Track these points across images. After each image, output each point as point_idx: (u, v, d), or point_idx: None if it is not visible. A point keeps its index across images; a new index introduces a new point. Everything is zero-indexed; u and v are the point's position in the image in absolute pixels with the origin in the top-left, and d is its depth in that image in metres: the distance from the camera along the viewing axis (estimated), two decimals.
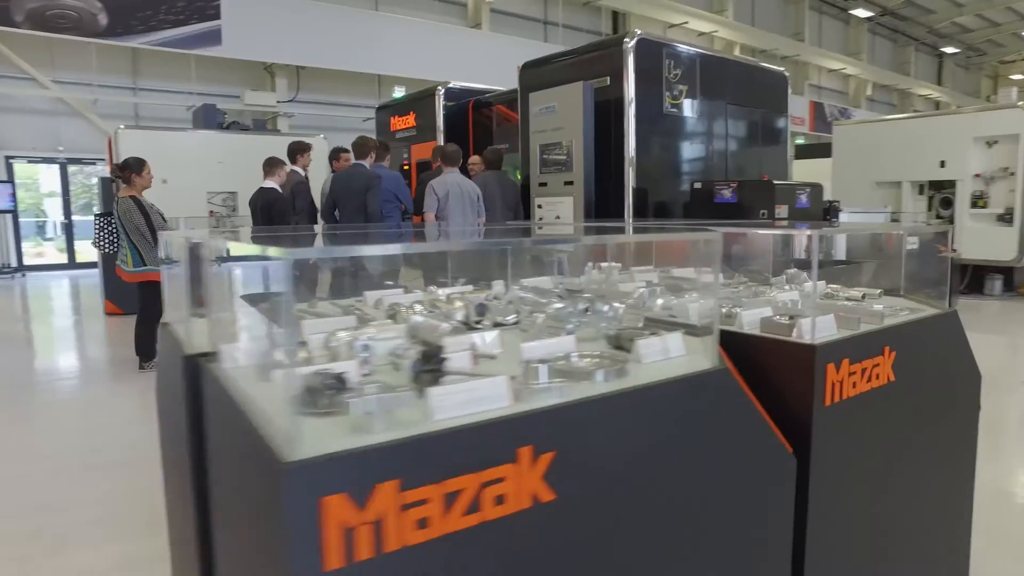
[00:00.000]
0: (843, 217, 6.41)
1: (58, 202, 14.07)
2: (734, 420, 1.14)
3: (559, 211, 5.53)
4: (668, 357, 1.19)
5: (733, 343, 1.27)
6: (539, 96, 5.67)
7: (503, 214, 5.85)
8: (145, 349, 4.98)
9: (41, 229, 14.66)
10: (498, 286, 1.90)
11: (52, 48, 12.62)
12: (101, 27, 11.92)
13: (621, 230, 2.55)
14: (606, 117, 5.55)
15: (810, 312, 1.29)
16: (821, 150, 11.81)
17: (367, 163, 5.43)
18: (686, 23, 19.06)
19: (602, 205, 5.67)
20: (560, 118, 5.47)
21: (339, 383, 0.88)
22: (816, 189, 5.24)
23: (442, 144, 5.71)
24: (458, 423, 0.85)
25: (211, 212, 10.32)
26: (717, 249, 1.20)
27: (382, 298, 1.82)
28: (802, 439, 1.22)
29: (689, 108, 5.83)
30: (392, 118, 8.69)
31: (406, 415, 0.86)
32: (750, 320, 1.38)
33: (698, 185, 5.34)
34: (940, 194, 8.64)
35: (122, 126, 10.82)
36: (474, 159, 6.37)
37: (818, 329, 1.28)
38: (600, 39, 6.09)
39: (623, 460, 0.99)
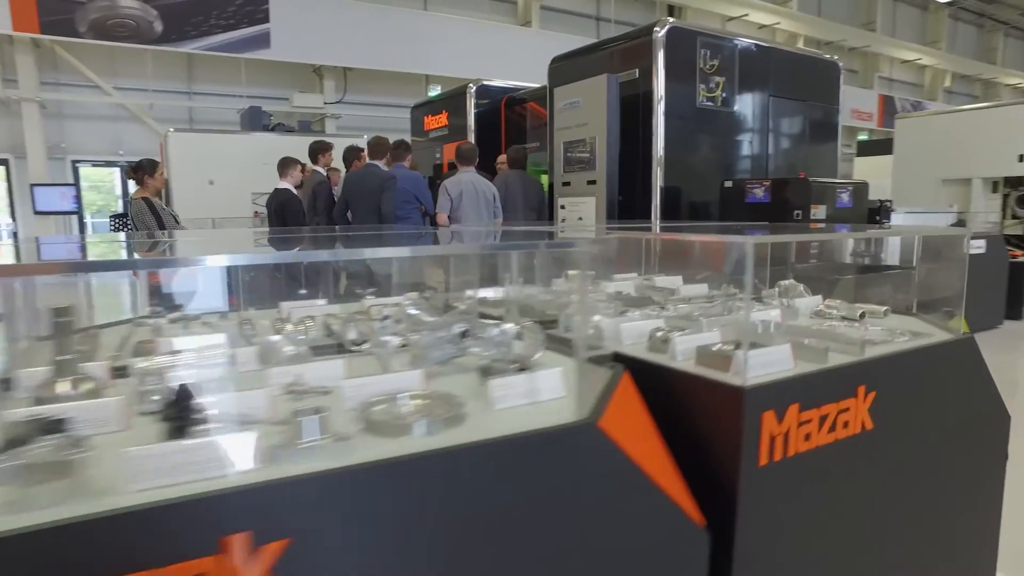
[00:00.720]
0: (897, 218, 5.86)
1: (120, 204, 14.65)
2: (610, 491, 0.87)
3: (582, 212, 5.24)
4: (535, 401, 0.93)
5: (660, 379, 1.00)
6: (563, 91, 5.40)
7: (526, 215, 5.60)
8: None
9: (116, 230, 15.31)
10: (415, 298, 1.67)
11: (113, 56, 13.11)
12: (157, 34, 12.29)
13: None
14: (634, 112, 5.23)
15: (743, 340, 1.00)
16: (887, 146, 11.05)
17: (382, 163, 5.28)
18: (746, 15, 18.30)
19: (628, 206, 5.35)
20: (584, 113, 5.19)
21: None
22: (860, 188, 4.76)
23: (469, 143, 5.52)
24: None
25: (255, 213, 10.47)
26: (586, 258, 0.94)
27: (291, 311, 1.62)
28: (727, 509, 0.94)
29: (727, 102, 5.43)
30: (426, 117, 8.58)
31: None
32: (685, 349, 1.10)
33: (728, 184, 4.94)
34: (1017, 192, 7.86)
35: (172, 129, 11.13)
36: (501, 158, 6.16)
37: (761, 364, 1.00)
38: (630, 29, 5.71)
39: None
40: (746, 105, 5.58)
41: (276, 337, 1.14)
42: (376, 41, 14.48)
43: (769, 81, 5.68)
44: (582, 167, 5.27)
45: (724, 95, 5.40)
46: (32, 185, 12.09)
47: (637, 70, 5.14)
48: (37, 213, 12.05)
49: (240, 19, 12.85)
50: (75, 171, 13.44)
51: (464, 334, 1.08)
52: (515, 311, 1.46)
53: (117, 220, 8.03)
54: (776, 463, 0.96)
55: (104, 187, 14.89)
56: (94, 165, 13.75)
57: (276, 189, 5.34)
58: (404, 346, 1.18)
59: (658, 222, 5.17)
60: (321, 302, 1.68)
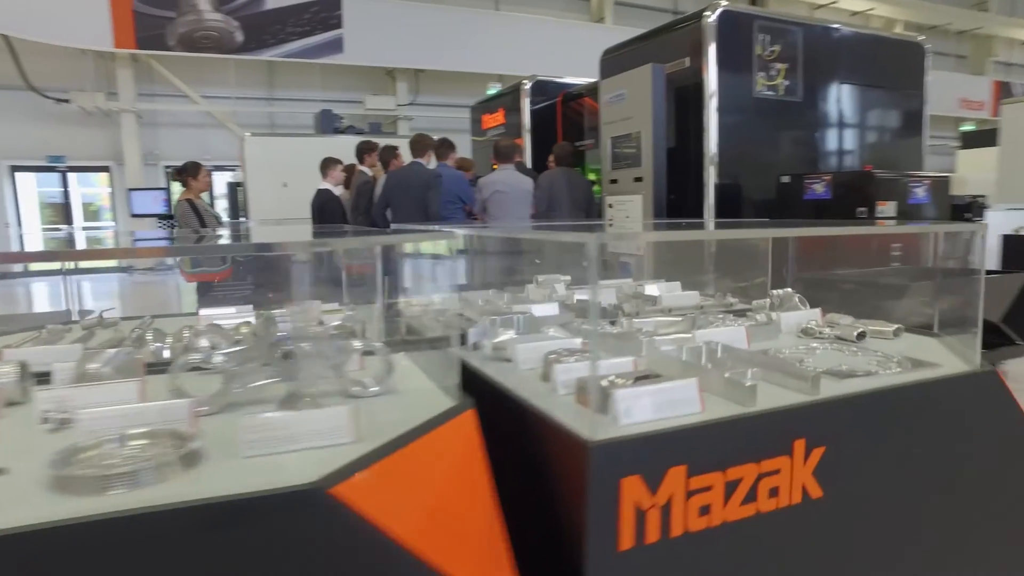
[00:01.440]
0: (995, 216, 5.19)
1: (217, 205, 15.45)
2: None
3: (628, 211, 4.94)
4: (300, 448, 0.72)
5: (518, 419, 0.78)
6: (609, 83, 5.12)
7: (572, 214, 5.36)
8: None
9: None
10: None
11: (200, 66, 13.81)
12: (238, 44, 12.84)
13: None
14: (684, 104, 4.88)
15: (590, 377, 0.76)
16: (996, 137, 9.97)
17: (425, 161, 5.19)
18: (834, 2, 17.16)
19: (679, 204, 5.01)
20: (629, 107, 4.89)
21: None
22: (939, 182, 4.21)
23: (507, 140, 5.33)
24: None
25: None
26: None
27: (210, 318, 1.48)
28: None
29: (789, 90, 4.98)
30: (484, 116, 8.47)
31: None
32: (567, 380, 0.86)
33: (785, 180, 4.50)
34: None
35: (248, 134, 11.56)
36: (552, 157, 5.93)
37: (646, 407, 0.75)
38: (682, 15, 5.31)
39: None
40: (813, 94, 5.10)
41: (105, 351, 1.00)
42: (448, 42, 14.57)
43: (840, 66, 5.16)
44: (628, 163, 4.97)
45: (786, 83, 4.95)
46: (129, 190, 12.91)
47: (687, 59, 4.79)
48: (133, 216, 12.84)
49: (315, 26, 13.23)
50: (167, 176, 14.27)
51: (286, 355, 0.90)
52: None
53: (163, 221, 8.36)
54: (648, 547, 0.70)
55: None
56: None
57: (318, 189, 5.36)
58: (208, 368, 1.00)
59: (712, 222, 4.81)
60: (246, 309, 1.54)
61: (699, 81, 4.71)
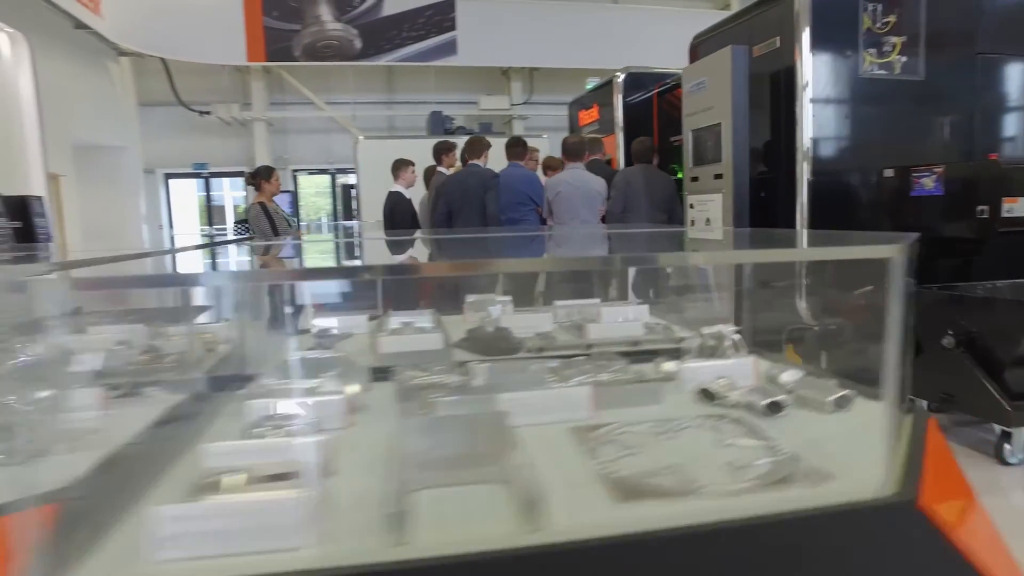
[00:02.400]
0: None
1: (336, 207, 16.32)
2: None
3: (710, 211, 4.45)
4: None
5: None
6: (690, 71, 4.64)
7: (650, 214, 4.94)
8: None
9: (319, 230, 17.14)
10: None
11: (326, 75, 14.58)
12: (357, 51, 13.37)
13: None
14: (775, 90, 4.31)
15: None
16: None
17: (481, 163, 5.01)
18: None
19: (767, 205, 4.45)
20: (710, 96, 4.39)
21: None
22: None
23: (576, 136, 5.00)
24: None
25: None
26: None
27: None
28: None
29: (908, 68, 4.25)
30: (580, 112, 8.14)
31: None
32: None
33: (889, 174, 3.81)
34: None
35: (361, 137, 11.98)
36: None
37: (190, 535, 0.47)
38: None
39: None
40: (940, 69, 4.30)
41: None
42: (564, 39, 14.32)
43: (976, 34, 4.32)
44: (710, 159, 4.48)
45: (903, 59, 4.22)
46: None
47: (777, 38, 4.21)
48: None
49: (429, 29, 13.48)
50: (294, 179, 15.24)
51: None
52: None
53: (239, 225, 8.73)
54: None
55: (325, 193, 16.70)
56: (309, 173, 15.50)
57: (389, 192, 5.33)
58: None
59: (804, 221, 4.22)
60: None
61: (791, 63, 4.12)
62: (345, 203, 12.88)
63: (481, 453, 0.75)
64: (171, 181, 14.94)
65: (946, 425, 3.42)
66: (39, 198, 8.60)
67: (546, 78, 15.18)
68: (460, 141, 12.23)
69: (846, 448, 0.81)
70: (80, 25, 10.85)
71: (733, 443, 0.86)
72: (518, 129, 15.12)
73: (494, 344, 1.29)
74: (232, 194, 15.73)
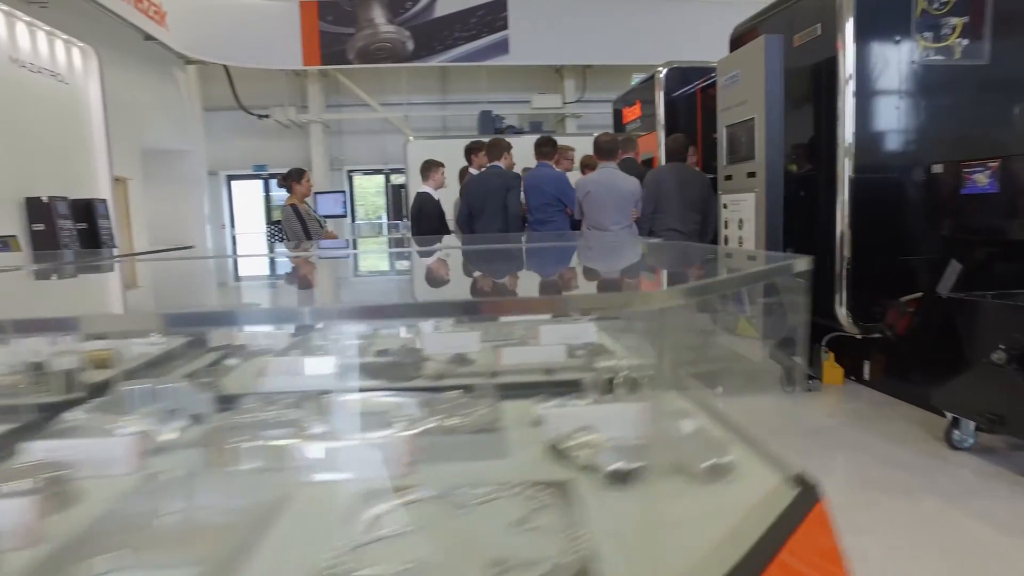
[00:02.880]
0: None
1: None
2: None
3: (743, 212, 4.17)
4: None
5: None
6: (725, 63, 4.37)
7: (682, 215, 4.68)
8: None
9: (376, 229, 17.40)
10: None
11: (380, 76, 14.77)
12: (409, 52, 13.47)
13: None
14: (816, 82, 4.01)
15: None
16: None
17: (502, 164, 4.87)
18: None
19: (807, 204, 4.15)
20: (744, 89, 4.12)
21: None
22: None
23: (608, 134, 4.78)
24: None
25: None
26: None
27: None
28: None
29: (969, 52, 3.85)
30: (624, 110, 7.89)
31: None
32: None
33: (937, 170, 3.43)
34: None
35: (411, 138, 12.04)
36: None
37: None
38: None
39: None
40: (1008, 52, 3.89)
41: None
42: (616, 36, 14.03)
43: None
44: (743, 156, 4.20)
45: (965, 43, 3.82)
46: (316, 193, 14.22)
47: (819, 25, 3.90)
48: (321, 216, 14.09)
49: (481, 29, 13.44)
50: (349, 180, 15.51)
51: None
52: None
53: (273, 226, 8.82)
54: None
55: (380, 193, 16.95)
56: (364, 174, 15.75)
57: (417, 193, 5.27)
58: None
59: (846, 228, 3.90)
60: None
61: (833, 53, 3.81)
62: (395, 203, 13.00)
63: (174, 533, 0.61)
64: (233, 182, 15.46)
65: (998, 448, 3.07)
66: (103, 201, 9.02)
67: (599, 75, 14.91)
68: (517, 141, 12.10)
69: (677, 546, 0.62)
70: (149, 37, 11.33)
71: (529, 528, 0.69)
72: (571, 128, 14.92)
73: (384, 370, 1.15)
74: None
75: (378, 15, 13.29)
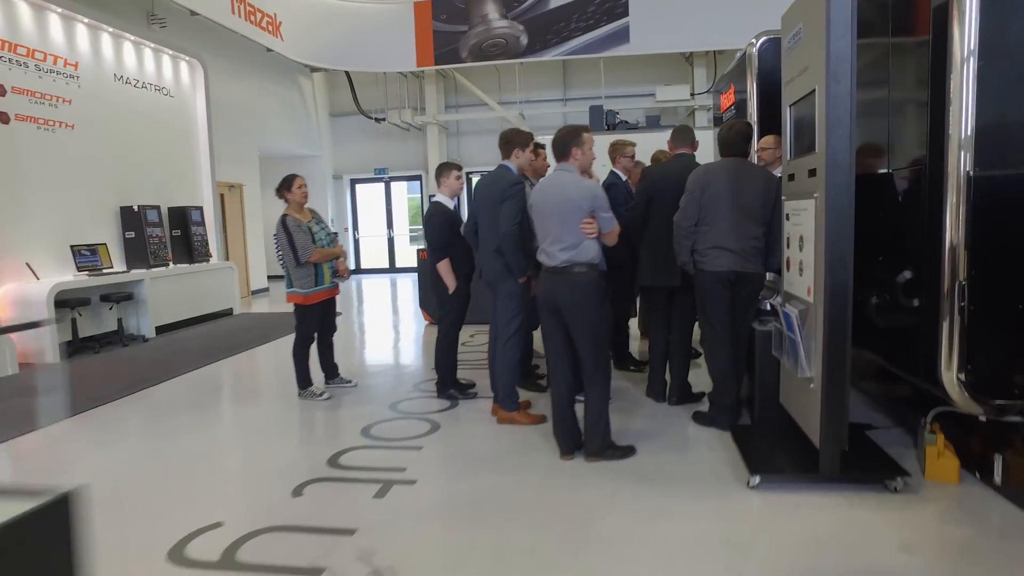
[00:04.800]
0: None
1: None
2: None
3: (803, 227, 2.95)
4: None
5: None
6: (789, 15, 3.15)
7: (737, 228, 3.52)
8: (298, 376, 4.73)
9: None
10: None
11: (497, 74, 14.27)
12: (523, 47, 12.80)
13: None
14: (919, 40, 2.72)
15: None
16: None
17: (512, 163, 3.97)
18: None
19: (892, 216, 2.87)
20: (805, 50, 2.90)
21: None
22: None
23: (568, 127, 3.59)
24: None
25: None
26: None
27: None
28: None
29: None
30: (722, 96, 6.60)
31: None
32: None
33: None
34: None
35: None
36: (767, 140, 4.03)
37: None
38: None
39: None
40: None
41: None
42: (753, 16, 12.28)
43: None
44: (806, 147, 2.96)
45: None
46: (430, 196, 14.10)
47: None
48: None
49: (599, 18, 12.43)
50: (468, 181, 15.21)
51: None
52: None
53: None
54: None
55: None
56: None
57: (430, 200, 4.55)
58: None
59: (959, 244, 2.60)
60: None
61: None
62: None
63: None
64: (357, 186, 15.80)
65: None
66: (199, 208, 9.33)
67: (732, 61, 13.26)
68: (631, 138, 10.97)
69: None
70: (270, 48, 11.71)
71: None
72: (701, 120, 13.42)
73: None
74: (407, 196, 16.16)
75: (491, 10, 12.77)
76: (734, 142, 3.59)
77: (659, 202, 3.97)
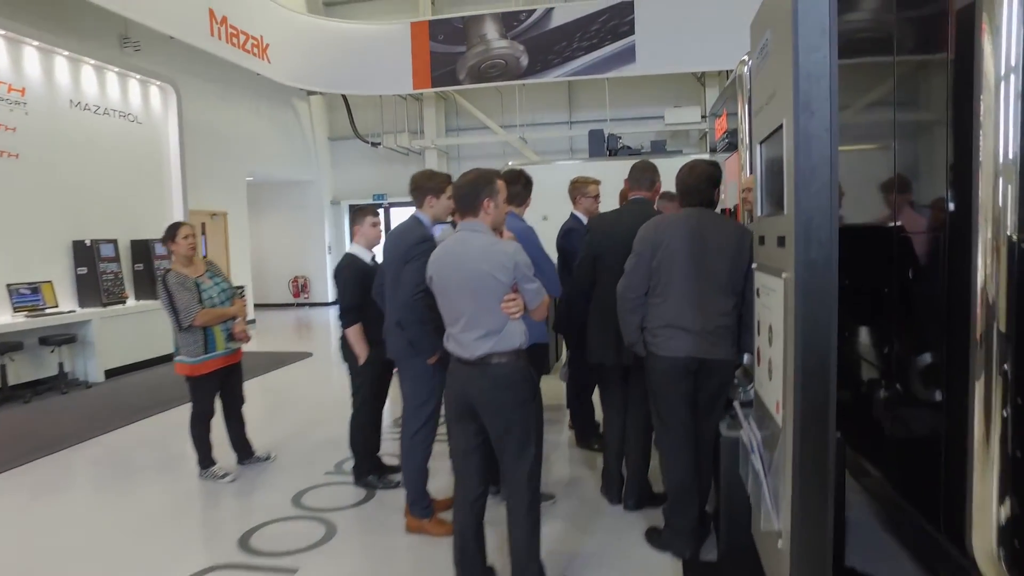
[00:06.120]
0: None
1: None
2: None
3: (772, 310, 2.13)
4: None
5: None
6: (757, 24, 2.35)
7: (700, 300, 2.70)
8: (198, 454, 4.02)
9: None
10: None
11: (498, 96, 13.63)
12: (523, 68, 12.15)
13: None
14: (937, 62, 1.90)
15: None
16: None
17: (425, 215, 3.21)
18: None
19: (892, 297, 2.03)
20: (772, 68, 2.10)
21: None
22: None
23: (475, 172, 2.71)
24: None
25: None
26: None
27: None
28: None
29: None
30: (716, 123, 5.84)
31: None
32: None
33: None
34: None
35: (509, 163, 10.64)
36: (751, 180, 3.21)
37: None
38: None
39: None
40: None
41: None
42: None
43: None
44: (775, 201, 2.14)
45: None
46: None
47: None
48: None
49: (603, 36, 11.73)
50: None
51: None
52: None
53: None
54: None
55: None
56: None
57: (345, 253, 3.82)
58: None
59: (997, 332, 1.74)
60: None
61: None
62: None
63: None
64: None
65: None
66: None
67: None
68: (626, 165, 10.15)
69: None
70: (258, 72, 11.22)
71: None
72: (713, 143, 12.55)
73: None
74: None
75: (491, 30, 12.15)
76: (695, 188, 2.78)
77: (609, 261, 3.16)
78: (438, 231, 3.23)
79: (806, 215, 1.82)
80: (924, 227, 2.09)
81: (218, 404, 4.12)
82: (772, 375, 2.12)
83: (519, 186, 3.49)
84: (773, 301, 2.09)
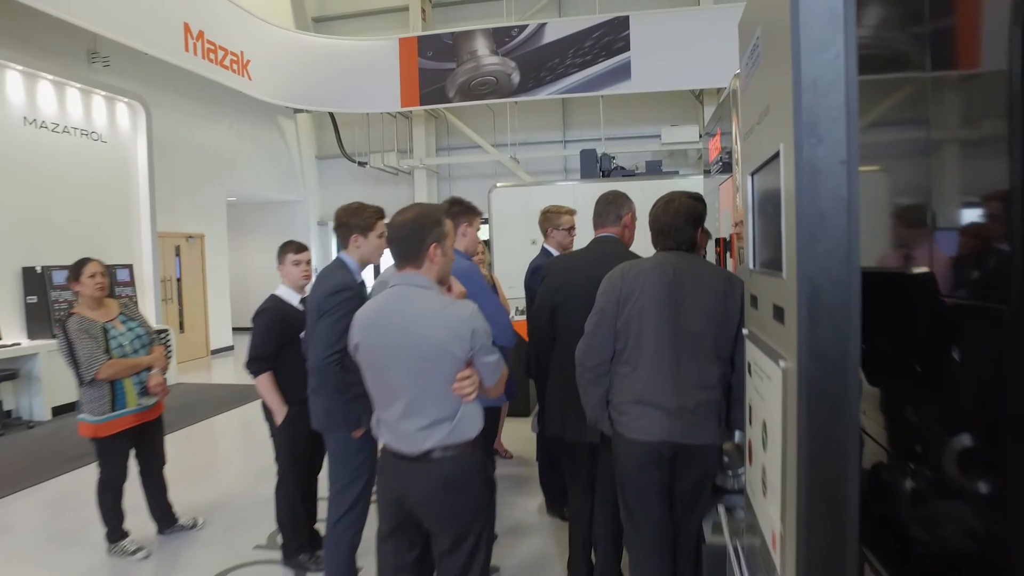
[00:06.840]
0: None
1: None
2: None
3: (768, 406, 1.56)
4: None
5: None
6: (746, 20, 1.82)
7: (677, 364, 2.15)
8: (107, 526, 3.47)
9: None
10: None
11: (491, 114, 13.18)
12: (515, 85, 11.71)
13: None
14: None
15: None
16: None
17: (351, 258, 2.69)
18: None
19: (933, 346, 1.44)
20: (767, 79, 1.55)
21: None
22: None
23: (413, 210, 2.19)
24: None
25: None
26: None
27: None
28: None
29: None
30: (710, 144, 5.33)
31: None
32: None
33: None
34: None
35: (498, 184, 10.16)
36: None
37: None
38: None
39: None
40: None
41: None
42: None
43: None
44: (771, 255, 1.60)
45: None
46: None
47: None
48: None
49: (598, 53, 11.29)
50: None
51: None
52: None
53: None
54: None
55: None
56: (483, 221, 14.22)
57: (270, 295, 3.29)
58: None
59: None
60: None
61: None
62: None
63: None
64: None
65: None
66: (127, 266, 8.27)
67: None
68: (629, 186, 9.65)
69: None
70: (238, 89, 10.81)
71: None
72: None
73: None
74: None
75: (481, 46, 11.74)
76: (672, 226, 2.24)
77: (567, 314, 2.61)
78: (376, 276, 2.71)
79: (812, 284, 1.28)
80: (975, 284, 1.53)
81: (134, 466, 3.57)
82: (767, 491, 1.56)
83: (464, 214, 2.96)
84: (768, 391, 1.54)
